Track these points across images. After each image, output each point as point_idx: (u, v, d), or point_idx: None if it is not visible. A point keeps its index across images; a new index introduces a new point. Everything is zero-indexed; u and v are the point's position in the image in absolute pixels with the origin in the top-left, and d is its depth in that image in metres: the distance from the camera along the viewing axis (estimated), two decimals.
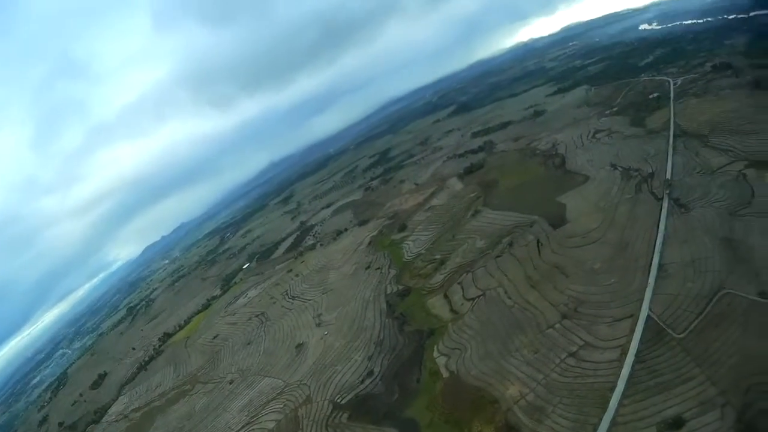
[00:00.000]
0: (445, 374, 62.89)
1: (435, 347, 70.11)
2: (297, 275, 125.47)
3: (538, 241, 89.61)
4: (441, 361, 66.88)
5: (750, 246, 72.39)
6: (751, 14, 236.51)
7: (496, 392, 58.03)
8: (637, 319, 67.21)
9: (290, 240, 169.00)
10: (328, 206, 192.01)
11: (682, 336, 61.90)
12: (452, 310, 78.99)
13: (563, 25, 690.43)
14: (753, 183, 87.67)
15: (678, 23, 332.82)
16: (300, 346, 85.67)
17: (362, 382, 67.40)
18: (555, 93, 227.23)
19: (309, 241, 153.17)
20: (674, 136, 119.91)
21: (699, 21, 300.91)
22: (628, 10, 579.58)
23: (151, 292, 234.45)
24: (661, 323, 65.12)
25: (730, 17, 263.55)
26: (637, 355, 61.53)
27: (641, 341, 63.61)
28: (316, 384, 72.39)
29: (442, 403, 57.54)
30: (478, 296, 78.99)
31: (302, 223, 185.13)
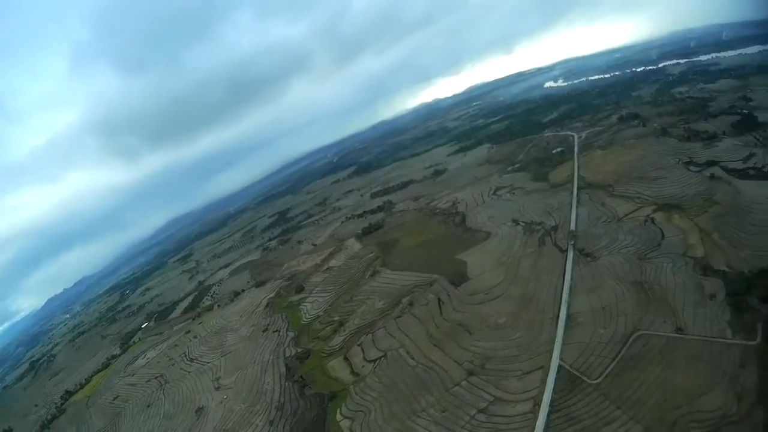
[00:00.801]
0: None
1: (338, 410, 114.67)
2: (195, 337, 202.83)
3: (439, 300, 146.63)
4: (345, 424, 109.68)
5: (663, 286, 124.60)
6: (660, 65, 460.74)
7: None
8: (548, 369, 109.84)
9: (188, 300, 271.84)
10: (226, 266, 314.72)
11: (597, 381, 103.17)
12: (353, 373, 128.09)
13: (468, 85, 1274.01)
14: (662, 226, 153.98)
15: (584, 79, 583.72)
16: (200, 411, 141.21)
17: None
18: (456, 152, 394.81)
19: (207, 301, 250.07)
20: (578, 188, 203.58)
21: (606, 76, 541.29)
22: (533, 69, 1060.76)
23: (53, 347, 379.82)
24: (574, 371, 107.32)
25: (638, 69, 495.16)
26: (551, 404, 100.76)
27: (555, 391, 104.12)
28: None
29: None
30: (380, 357, 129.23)
31: (200, 282, 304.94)
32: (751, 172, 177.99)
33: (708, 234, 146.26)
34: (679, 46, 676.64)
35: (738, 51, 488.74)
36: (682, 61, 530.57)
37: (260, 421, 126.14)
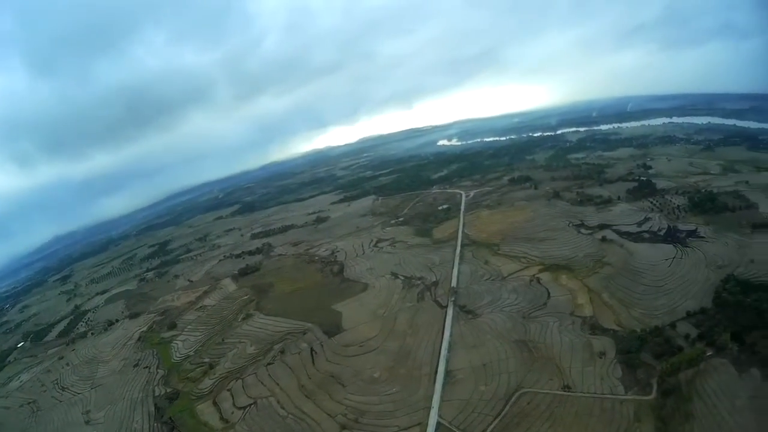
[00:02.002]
0: None
1: None
2: (68, 364, 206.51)
3: (311, 350, 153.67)
4: None
5: (548, 345, 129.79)
6: (558, 132, 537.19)
7: None
8: (426, 426, 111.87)
9: (64, 323, 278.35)
10: (103, 292, 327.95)
11: None
12: (223, 419, 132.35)
13: (362, 136, 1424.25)
14: (548, 286, 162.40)
15: (479, 140, 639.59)
16: None
17: None
18: (341, 201, 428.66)
19: (81, 327, 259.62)
20: (462, 245, 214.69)
21: (502, 138, 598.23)
22: (430, 126, 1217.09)
23: None
24: (454, 428, 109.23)
25: (536, 135, 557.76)
26: None
27: None
28: None
29: None
30: (250, 405, 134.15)
31: (77, 306, 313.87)
32: (646, 235, 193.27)
33: (597, 294, 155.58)
34: (581, 114, 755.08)
35: (642, 122, 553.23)
36: (581, 129, 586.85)
37: None
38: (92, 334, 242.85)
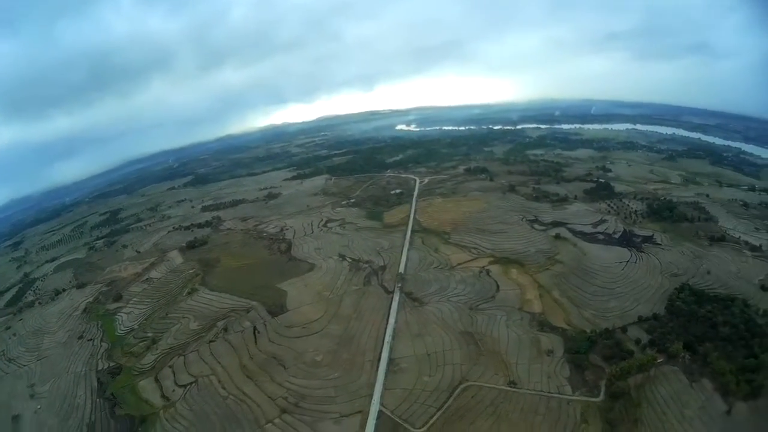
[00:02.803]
0: None
1: None
2: (15, 335, 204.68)
3: (254, 329, 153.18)
4: None
5: (495, 338, 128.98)
6: (519, 126, 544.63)
7: None
8: (368, 414, 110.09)
9: (12, 292, 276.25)
10: (53, 260, 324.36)
11: (422, 430, 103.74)
12: (164, 396, 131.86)
13: (320, 114, 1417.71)
14: (498, 278, 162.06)
15: (438, 128, 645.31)
16: (16, 419, 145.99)
17: None
18: (294, 178, 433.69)
19: (30, 296, 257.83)
20: (413, 231, 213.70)
21: (460, 128, 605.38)
22: (389, 110, 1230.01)
23: None
24: (396, 418, 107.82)
25: (496, 128, 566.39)
26: None
27: None
28: None
29: None
30: (191, 383, 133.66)
31: (26, 275, 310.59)
32: (600, 236, 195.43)
33: (547, 291, 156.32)
34: (543, 112, 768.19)
35: (605, 126, 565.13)
36: (542, 126, 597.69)
37: None
38: (39, 303, 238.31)
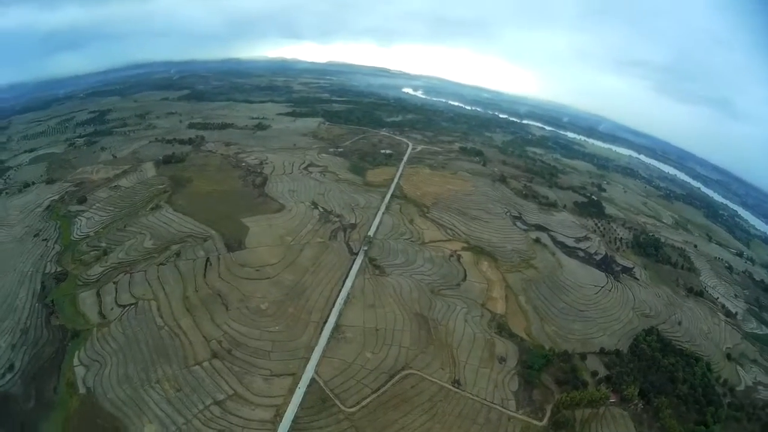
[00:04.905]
0: (81, 389, 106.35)
1: (76, 353, 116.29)
2: None
3: (207, 260, 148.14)
4: (80, 372, 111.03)
5: (450, 330, 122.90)
6: (524, 121, 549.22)
7: (132, 427, 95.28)
8: (300, 379, 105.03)
9: None
10: (31, 151, 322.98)
11: (352, 410, 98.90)
12: (101, 313, 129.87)
13: (330, 59, 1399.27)
14: (467, 267, 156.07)
15: (443, 100, 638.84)
16: None
17: (3, 376, 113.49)
18: (288, 114, 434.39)
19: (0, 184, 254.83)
20: (393, 196, 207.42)
21: (466, 107, 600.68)
22: (400, 72, 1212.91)
23: None
24: (327, 390, 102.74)
25: (502, 116, 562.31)
26: (294, 421, 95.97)
27: (301, 406, 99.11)
28: None
29: (77, 426, 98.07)
30: (130, 305, 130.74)
31: (1, 161, 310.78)
32: (581, 253, 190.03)
33: (515, 294, 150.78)
34: (551, 114, 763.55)
35: (609, 146, 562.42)
36: (547, 127, 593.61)
37: (4, 342, 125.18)
38: (6, 193, 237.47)
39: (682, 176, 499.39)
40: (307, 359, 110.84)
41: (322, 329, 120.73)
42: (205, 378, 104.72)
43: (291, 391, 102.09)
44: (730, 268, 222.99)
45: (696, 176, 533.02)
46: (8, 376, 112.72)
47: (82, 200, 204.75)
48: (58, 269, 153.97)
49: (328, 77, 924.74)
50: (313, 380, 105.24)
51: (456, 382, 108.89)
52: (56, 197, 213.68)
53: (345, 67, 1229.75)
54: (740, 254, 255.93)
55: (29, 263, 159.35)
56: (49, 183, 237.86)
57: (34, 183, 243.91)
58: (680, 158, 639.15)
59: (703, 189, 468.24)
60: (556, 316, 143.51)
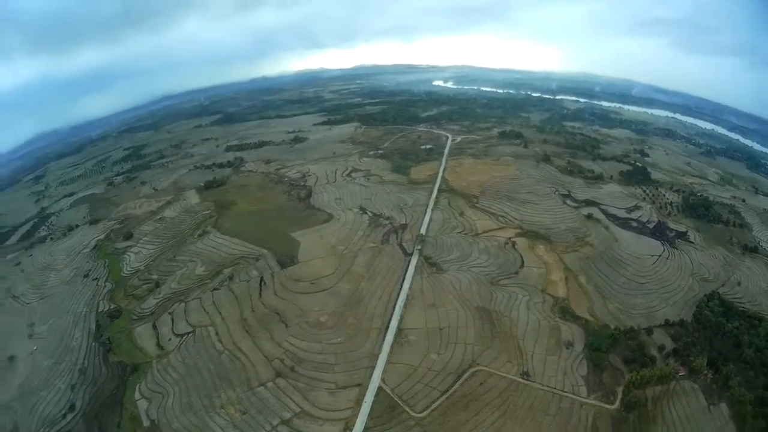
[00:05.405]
0: (145, 422, 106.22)
1: (137, 387, 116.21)
2: (23, 271, 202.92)
3: (261, 279, 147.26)
4: (142, 405, 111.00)
5: (513, 320, 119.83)
6: (557, 97, 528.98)
7: None
8: (366, 389, 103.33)
9: (27, 226, 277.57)
10: (70, 195, 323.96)
11: (421, 415, 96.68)
12: (159, 345, 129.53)
13: (357, 63, 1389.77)
14: (523, 253, 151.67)
15: (476, 88, 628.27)
16: (12, 359, 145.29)
17: (64, 416, 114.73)
18: (323, 123, 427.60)
19: (43, 231, 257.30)
20: (439, 190, 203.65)
21: (498, 91, 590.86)
22: (427, 65, 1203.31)
23: None
24: (395, 397, 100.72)
25: (534, 95, 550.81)
26: None
27: (371, 416, 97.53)
28: (22, 409, 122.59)
29: None
30: (188, 333, 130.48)
31: (43, 209, 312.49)
32: (634, 223, 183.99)
33: (574, 275, 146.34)
34: (583, 86, 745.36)
35: (644, 109, 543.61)
36: (581, 99, 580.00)
37: (63, 383, 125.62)
38: (51, 239, 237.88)
39: (720, 130, 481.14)
40: (372, 368, 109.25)
41: (384, 335, 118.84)
42: (269, 398, 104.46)
43: (358, 403, 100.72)
44: None
45: (733, 128, 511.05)
46: (69, 417, 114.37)
47: (128, 236, 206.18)
48: (112, 306, 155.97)
49: (357, 81, 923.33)
50: (379, 389, 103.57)
51: (525, 374, 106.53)
52: (102, 236, 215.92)
53: (372, 69, 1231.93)
54: None
55: (81, 303, 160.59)
56: (93, 223, 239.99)
57: (77, 225, 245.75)
58: (715, 112, 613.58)
59: (742, 140, 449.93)
60: (618, 293, 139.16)
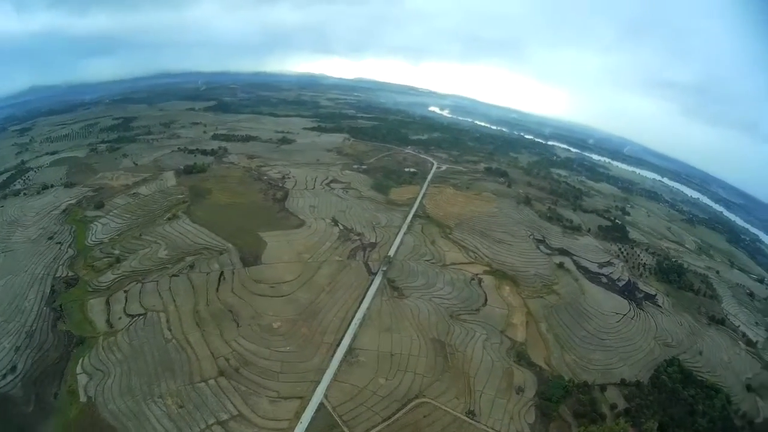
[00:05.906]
0: (82, 397, 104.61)
1: (81, 361, 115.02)
2: None
3: (221, 274, 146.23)
4: (82, 380, 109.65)
5: (468, 357, 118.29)
6: (549, 142, 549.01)
7: None
8: (308, 403, 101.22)
9: (3, 177, 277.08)
10: (53, 153, 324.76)
11: None
12: (109, 322, 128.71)
13: (359, 75, 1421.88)
14: (488, 291, 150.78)
15: (470, 120, 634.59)
16: None
17: (4, 377, 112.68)
18: (314, 129, 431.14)
19: (18, 185, 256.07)
20: (415, 215, 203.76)
21: (492, 127, 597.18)
22: (427, 90, 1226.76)
23: None
24: (336, 416, 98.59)
25: (527, 137, 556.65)
26: None
27: None
28: None
29: None
30: (140, 315, 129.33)
31: (23, 162, 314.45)
32: (604, 279, 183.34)
33: (536, 321, 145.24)
34: (577, 136, 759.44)
35: (633, 168, 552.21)
36: (573, 149, 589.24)
37: (8, 343, 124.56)
38: (25, 194, 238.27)
39: (705, 200, 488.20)
40: (317, 382, 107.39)
41: (334, 352, 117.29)
42: (209, 396, 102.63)
43: (297, 416, 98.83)
44: (751, 294, 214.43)
45: (719, 200, 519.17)
46: (9, 378, 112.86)
47: (99, 205, 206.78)
48: (70, 274, 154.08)
49: (355, 93, 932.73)
50: (321, 405, 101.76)
51: (471, 413, 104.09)
52: (74, 201, 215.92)
53: (373, 83, 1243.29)
54: (761, 280, 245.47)
55: (41, 266, 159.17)
56: (68, 186, 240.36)
57: (53, 186, 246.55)
58: (703, 181, 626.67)
59: (726, 213, 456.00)
60: (577, 345, 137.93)
